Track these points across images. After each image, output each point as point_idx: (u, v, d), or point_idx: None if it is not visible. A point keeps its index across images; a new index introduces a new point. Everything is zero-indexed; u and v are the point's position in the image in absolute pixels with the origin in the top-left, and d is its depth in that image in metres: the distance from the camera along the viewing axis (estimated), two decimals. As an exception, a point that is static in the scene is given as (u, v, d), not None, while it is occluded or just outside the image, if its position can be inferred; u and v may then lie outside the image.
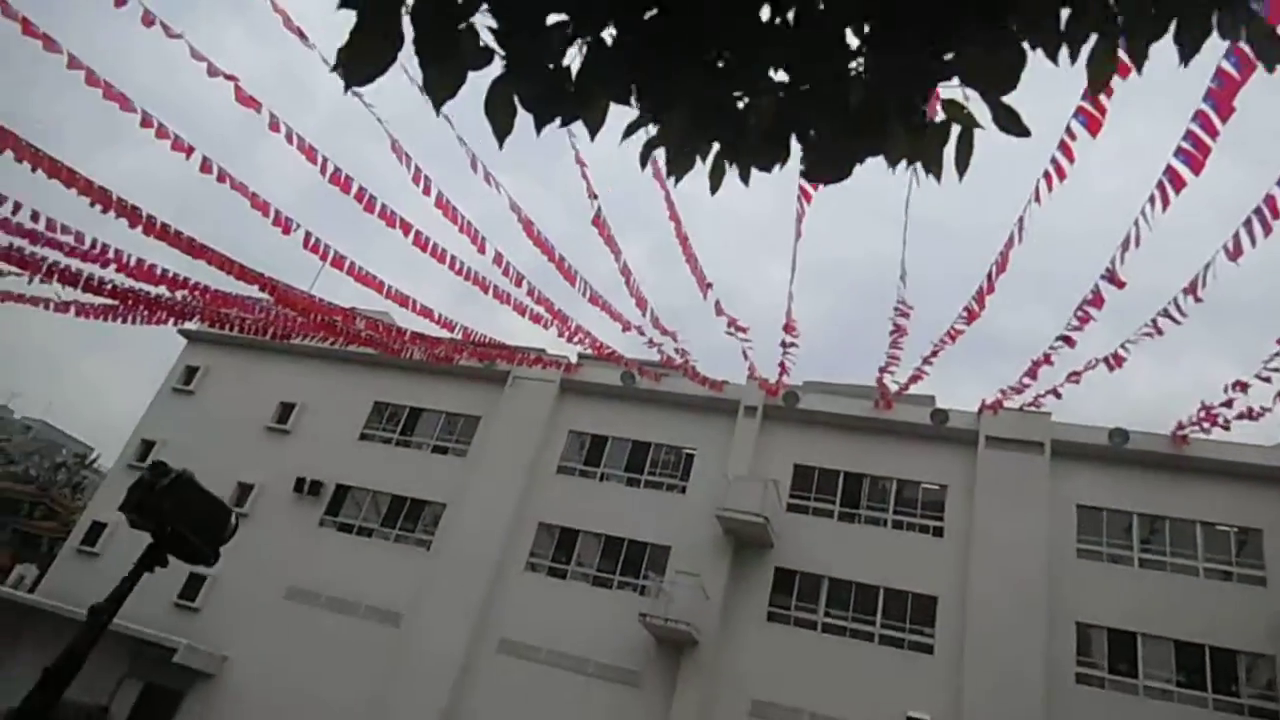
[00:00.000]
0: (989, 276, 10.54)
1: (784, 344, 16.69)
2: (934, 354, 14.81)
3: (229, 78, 10.94)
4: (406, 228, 13.70)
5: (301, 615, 21.26)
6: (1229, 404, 14.68)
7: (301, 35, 10.01)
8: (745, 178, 1.99)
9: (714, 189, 2.06)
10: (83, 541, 23.72)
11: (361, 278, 15.76)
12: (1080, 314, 10.51)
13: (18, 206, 12.98)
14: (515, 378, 23.45)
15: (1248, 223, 7.68)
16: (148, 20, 10.14)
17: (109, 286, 17.38)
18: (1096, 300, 10.01)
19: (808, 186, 10.19)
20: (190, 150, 12.06)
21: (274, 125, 11.52)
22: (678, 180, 2.05)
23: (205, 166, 12.34)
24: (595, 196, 12.00)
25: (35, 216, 13.95)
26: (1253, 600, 17.52)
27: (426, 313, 17.52)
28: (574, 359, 23.84)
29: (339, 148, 12.20)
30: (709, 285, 13.88)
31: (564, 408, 23.22)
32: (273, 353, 25.48)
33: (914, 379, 16.42)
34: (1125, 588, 18.21)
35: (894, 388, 18.05)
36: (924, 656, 18.37)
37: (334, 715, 19.48)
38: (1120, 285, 9.43)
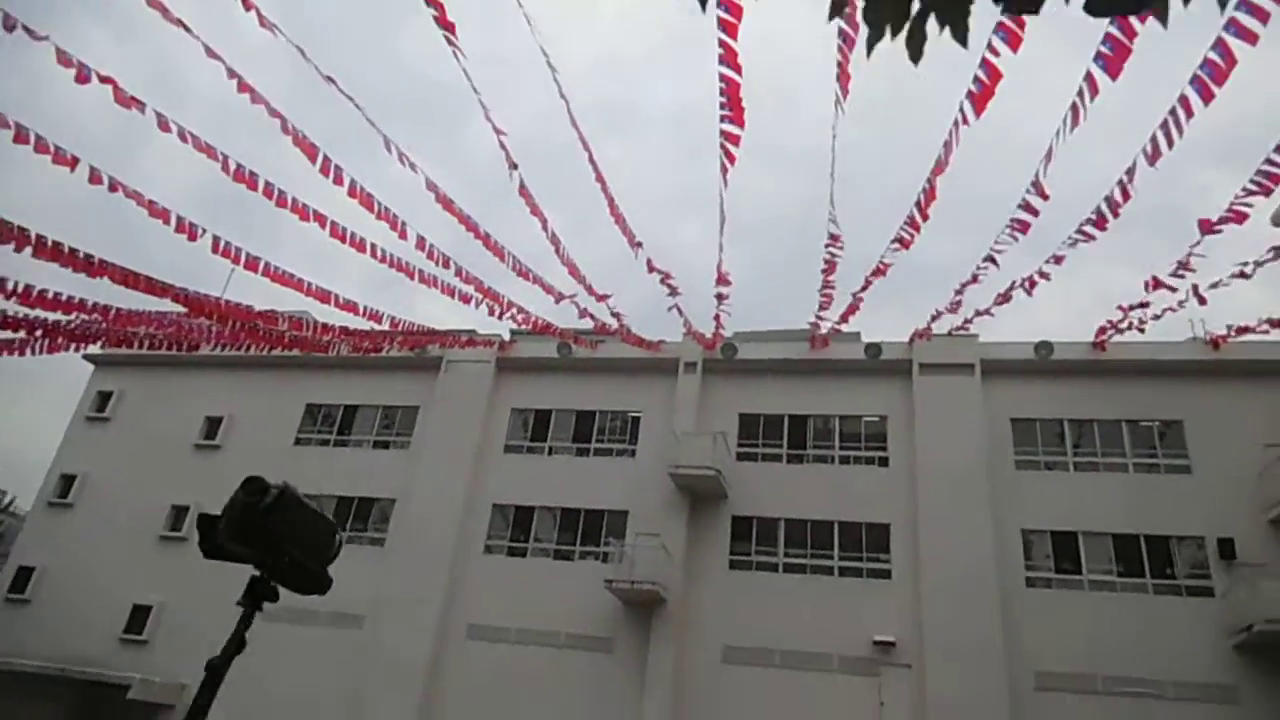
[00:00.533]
0: (919, 205, 10.69)
1: (718, 296, 16.75)
2: (866, 286, 15.06)
3: (105, 80, 10.18)
4: (321, 219, 13.15)
5: (259, 632, 20.19)
6: (1144, 305, 15.37)
7: (184, 26, 9.38)
8: (963, 36, 1.80)
9: (914, 57, 1.88)
10: (10, 589, 22.43)
11: (278, 278, 15.11)
12: (1010, 229, 10.75)
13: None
14: (449, 362, 22.99)
15: (1164, 124, 7.94)
16: (9, 24, 9.34)
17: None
18: (1026, 214, 10.24)
19: (734, 130, 10.12)
20: (75, 162, 11.25)
21: (164, 125, 10.83)
22: (871, 49, 1.86)
23: (94, 178, 11.54)
24: (515, 166, 11.71)
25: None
26: (1179, 487, 18.56)
27: (350, 306, 16.94)
28: (506, 336, 23.51)
29: (228, 148, 11.53)
30: (638, 244, 13.76)
31: (502, 387, 22.91)
32: (190, 367, 24.39)
33: (850, 310, 16.66)
34: (1062, 491, 19.07)
35: (829, 326, 18.30)
36: (883, 582, 18.93)
37: (307, 726, 19.08)
38: (1045, 196, 9.67)
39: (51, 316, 16.58)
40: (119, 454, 23.70)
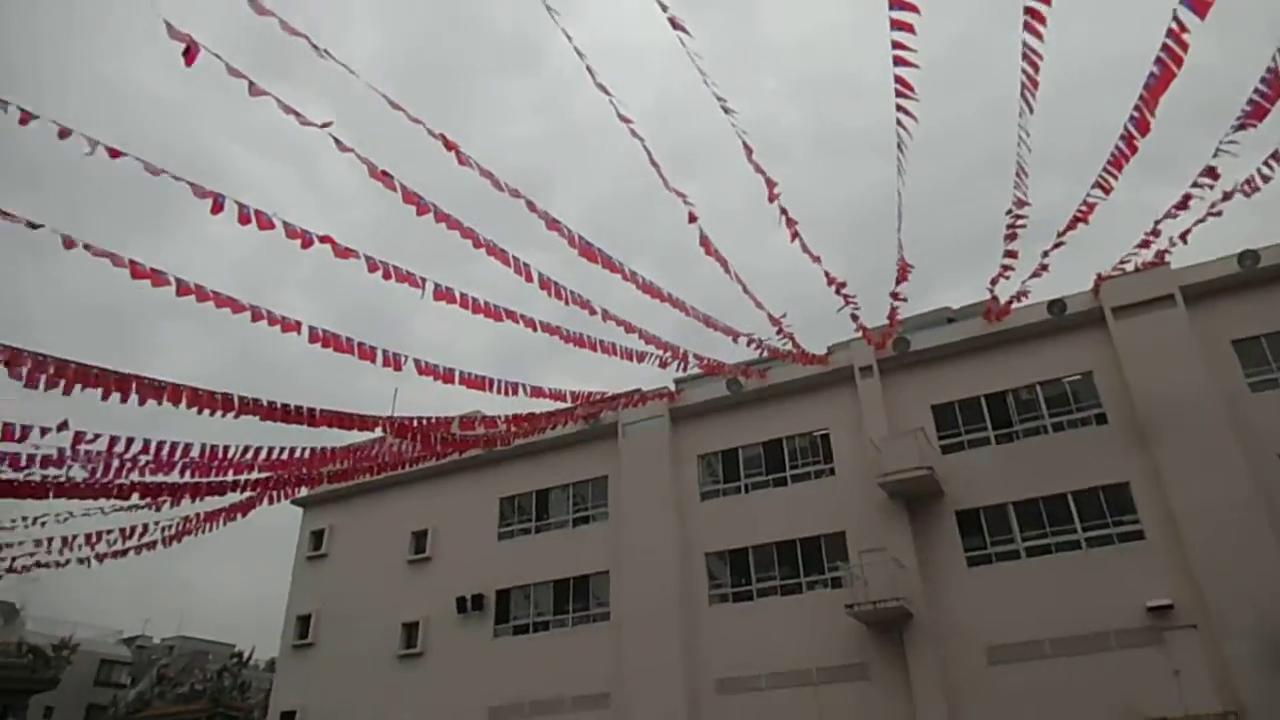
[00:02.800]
0: (1125, 139, 10.03)
1: (894, 294, 16.28)
2: (1057, 245, 14.29)
3: (324, 239, 10.62)
4: (489, 310, 13.31)
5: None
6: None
7: (395, 179, 9.82)
8: None
9: None
10: (279, 736, 23.67)
11: (472, 383, 15.56)
12: (1241, 122, 9.80)
13: (158, 445, 13.02)
14: (624, 425, 23.14)
15: None
16: (218, 208, 9.86)
17: (226, 485, 17.40)
18: (1257, 111, 9.39)
19: (909, 115, 9.82)
20: (297, 326, 11.90)
21: (357, 256, 11.21)
22: None
23: (314, 337, 12.17)
24: (695, 219, 11.75)
25: (147, 446, 13.85)
26: None
27: (537, 392, 17.35)
28: (672, 387, 23.53)
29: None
30: (817, 258, 13.52)
31: (681, 436, 22.85)
32: (386, 489, 25.45)
33: (1039, 271, 15.79)
34: (1314, 403, 17.36)
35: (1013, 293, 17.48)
36: (1138, 544, 17.59)
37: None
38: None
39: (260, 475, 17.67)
40: (343, 585, 24.85)
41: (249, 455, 15.93)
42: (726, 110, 9.65)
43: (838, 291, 15.41)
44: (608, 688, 20.49)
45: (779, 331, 16.52)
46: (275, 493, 18.93)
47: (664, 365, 17.64)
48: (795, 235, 12.28)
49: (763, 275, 14.79)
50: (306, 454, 17.20)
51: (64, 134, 8.23)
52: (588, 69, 9.21)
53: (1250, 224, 16.47)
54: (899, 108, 9.46)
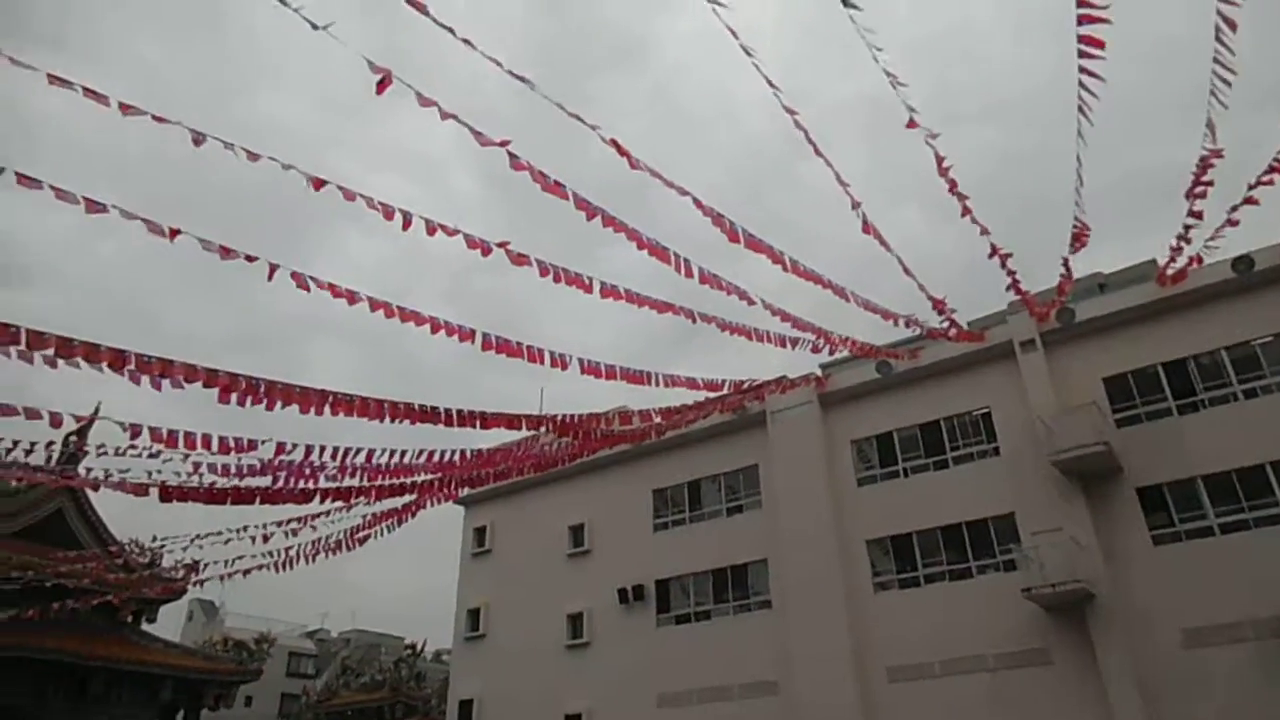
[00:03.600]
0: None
1: (1065, 261, 15.50)
2: (1247, 200, 13.21)
3: (498, 248, 11.09)
4: (654, 303, 13.46)
5: (682, 718, 21.32)
6: None
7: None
8: None
9: None
10: (458, 724, 24.96)
11: (632, 377, 15.86)
12: None
13: (344, 452, 13.99)
14: (772, 413, 23.04)
15: None
16: (407, 224, 10.37)
17: (405, 488, 18.41)
18: None
19: (1093, 44, 9.30)
20: (471, 334, 12.46)
21: (544, 270, 11.66)
22: None
23: (487, 344, 12.71)
24: (858, 205, 11.56)
25: (335, 454, 14.89)
26: None
27: (692, 383, 17.53)
28: (818, 373, 23.24)
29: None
30: (986, 230, 13.02)
31: (832, 422, 22.54)
32: (541, 485, 26.34)
33: (1225, 225, 14.62)
34: None
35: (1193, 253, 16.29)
36: (1360, 518, 16.11)
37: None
38: None
39: (425, 478, 18.60)
40: (507, 579, 25.93)
41: (421, 458, 16.85)
42: (895, 85, 9.44)
43: (1002, 264, 14.79)
44: (775, 675, 20.49)
45: (940, 312, 16.03)
46: (442, 493, 19.95)
47: (816, 350, 17.50)
48: (966, 210, 11.87)
49: (878, 253, 14.14)
50: (473, 455, 18.13)
51: (254, 158, 8.73)
52: (746, 52, 9.19)
53: None
54: (1082, 69, 8.98)
